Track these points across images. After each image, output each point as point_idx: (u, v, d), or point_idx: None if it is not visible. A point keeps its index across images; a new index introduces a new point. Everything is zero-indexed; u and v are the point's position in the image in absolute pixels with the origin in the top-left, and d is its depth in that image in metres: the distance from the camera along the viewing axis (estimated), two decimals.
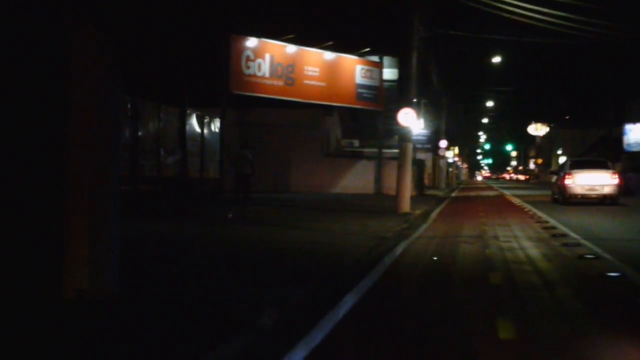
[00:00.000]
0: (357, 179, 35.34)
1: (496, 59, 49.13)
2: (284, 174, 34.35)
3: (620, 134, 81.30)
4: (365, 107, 34.25)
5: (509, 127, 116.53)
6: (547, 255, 11.89)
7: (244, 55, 28.14)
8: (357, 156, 37.20)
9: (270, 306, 6.63)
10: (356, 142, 44.28)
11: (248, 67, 28.28)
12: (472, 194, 44.83)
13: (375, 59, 34.37)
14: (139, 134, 21.25)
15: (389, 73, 38.93)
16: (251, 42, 28.33)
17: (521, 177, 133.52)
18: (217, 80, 27.92)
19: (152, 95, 23.26)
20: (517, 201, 32.72)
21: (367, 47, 33.45)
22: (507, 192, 46.00)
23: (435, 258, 11.55)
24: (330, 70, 32.21)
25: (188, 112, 25.52)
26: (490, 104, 73.78)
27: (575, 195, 28.45)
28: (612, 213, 23.28)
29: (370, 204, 26.14)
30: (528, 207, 26.99)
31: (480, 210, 25.71)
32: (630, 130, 60.29)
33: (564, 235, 15.32)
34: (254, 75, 28.54)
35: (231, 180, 27.36)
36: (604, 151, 74.74)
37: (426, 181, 47.94)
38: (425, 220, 20.15)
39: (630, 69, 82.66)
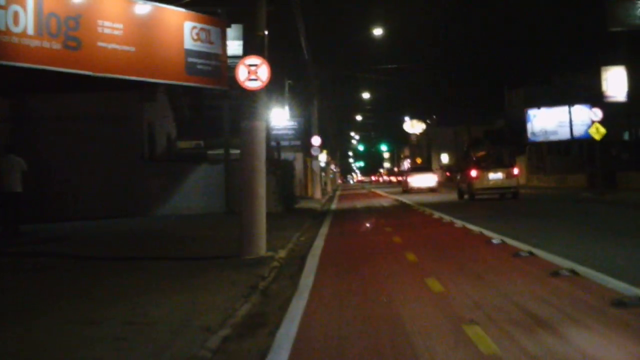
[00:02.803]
0: (198, 193, 24.17)
1: (376, 31, 39.30)
2: (82, 191, 22.80)
3: (501, 126, 73.76)
4: (199, 85, 23.00)
5: (383, 125, 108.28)
6: None
7: None
8: (197, 160, 25.93)
9: None
10: (202, 145, 33.05)
11: None
12: (359, 204, 34.14)
13: (216, 15, 23.41)
14: None
15: (241, 46, 28.48)
16: None
17: (393, 179, 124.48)
18: None
19: None
20: (434, 213, 22.31)
21: None
22: (402, 198, 35.72)
23: None
24: (143, 29, 20.97)
25: None
26: (366, 95, 64.29)
27: (412, 188, 45.93)
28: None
29: (203, 237, 15.42)
30: (459, 222, 16.56)
31: (392, 235, 14.95)
32: (534, 117, 51.21)
33: None
34: (6, 32, 16.91)
35: None
36: (495, 145, 66.06)
37: (297, 190, 37.29)
38: (297, 283, 9.23)
39: (506, 61, 75.81)
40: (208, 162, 25.10)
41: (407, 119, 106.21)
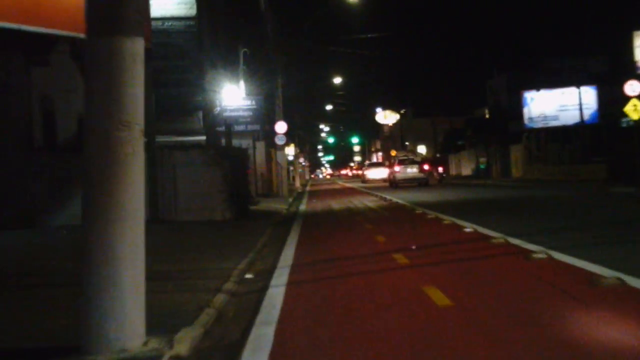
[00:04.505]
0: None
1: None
2: None
3: (483, 114, 67.67)
4: None
5: (354, 116, 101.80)
6: None
7: None
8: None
9: None
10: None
11: None
12: (336, 203, 26.84)
13: None
14: None
15: (179, 5, 22.21)
16: None
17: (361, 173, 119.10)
18: None
19: None
20: (456, 222, 15.37)
21: None
22: (388, 196, 28.64)
23: None
24: None
25: None
26: (337, 80, 57.67)
27: (369, 179, 59.47)
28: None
29: (62, 279, 8.35)
30: (533, 247, 9.56)
31: (417, 274, 7.93)
32: (531, 100, 44.27)
33: None
34: None
35: None
36: (479, 134, 59.65)
37: (257, 186, 30.32)
38: None
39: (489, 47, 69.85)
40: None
41: (379, 109, 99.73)
